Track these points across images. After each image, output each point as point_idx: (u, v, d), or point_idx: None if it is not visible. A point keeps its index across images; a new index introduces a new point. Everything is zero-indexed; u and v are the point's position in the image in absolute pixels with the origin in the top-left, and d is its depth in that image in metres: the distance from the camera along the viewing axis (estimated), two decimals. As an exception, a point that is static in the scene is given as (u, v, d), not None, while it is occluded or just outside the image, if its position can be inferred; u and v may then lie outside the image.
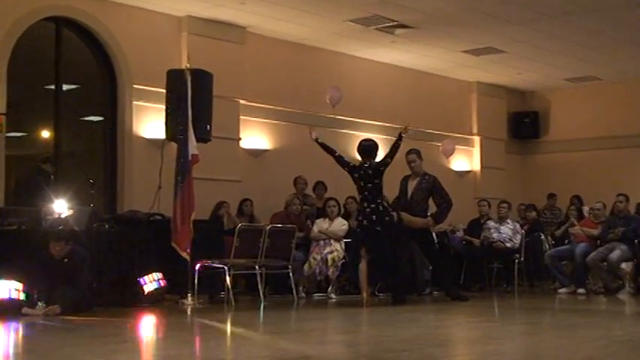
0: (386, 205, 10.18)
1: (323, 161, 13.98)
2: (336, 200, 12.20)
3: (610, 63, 16.58)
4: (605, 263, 12.27)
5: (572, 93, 18.86)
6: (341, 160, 10.33)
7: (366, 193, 10.13)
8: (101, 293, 9.59)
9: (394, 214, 10.31)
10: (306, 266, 11.79)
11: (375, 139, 10.65)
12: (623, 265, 12.23)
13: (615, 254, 12.12)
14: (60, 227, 9.39)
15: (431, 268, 11.65)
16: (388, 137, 16.27)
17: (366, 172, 10.12)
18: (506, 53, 15.78)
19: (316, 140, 10.38)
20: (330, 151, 10.35)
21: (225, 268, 10.31)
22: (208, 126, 10.73)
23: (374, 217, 10.03)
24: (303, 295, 11.70)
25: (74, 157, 12.83)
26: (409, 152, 11.16)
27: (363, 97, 15.89)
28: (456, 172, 17.91)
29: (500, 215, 13.39)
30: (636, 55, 15.92)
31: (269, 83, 14.51)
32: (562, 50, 15.60)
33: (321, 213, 12.58)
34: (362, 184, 10.15)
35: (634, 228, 12.29)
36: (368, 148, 10.35)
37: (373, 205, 10.09)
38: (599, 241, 12.57)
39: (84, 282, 9.13)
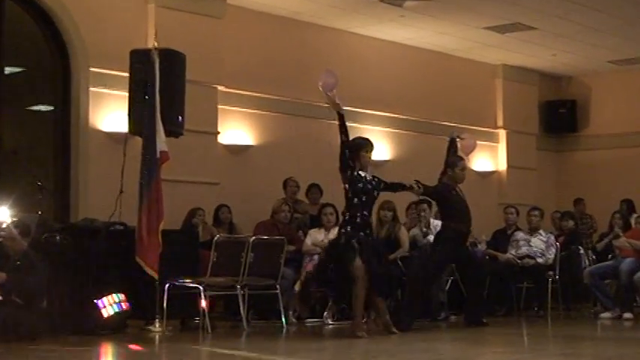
0: (346, 218, 10.10)
1: (318, 160, 14.04)
2: (334, 207, 12.21)
3: (663, 42, 16.65)
4: (656, 282, 12.31)
5: (617, 78, 18.90)
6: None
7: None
8: (51, 317, 9.60)
9: (342, 231, 10.15)
10: (297, 286, 11.80)
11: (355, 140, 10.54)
12: (679, 285, 12.27)
13: (669, 272, 12.17)
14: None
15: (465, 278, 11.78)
16: (395, 130, 16.40)
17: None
18: (538, 30, 15.81)
19: (338, 112, 10.14)
20: (344, 130, 10.16)
21: (201, 287, 10.31)
22: (180, 117, 10.73)
23: (341, 229, 10.15)
24: (294, 320, 11.71)
25: (18, 154, 12.81)
26: (462, 158, 11.48)
27: (364, 83, 15.90)
28: (478, 172, 17.94)
29: (530, 225, 13.42)
30: (695, 32, 15.97)
31: (253, 66, 14.52)
32: (605, 26, 15.61)
33: (316, 222, 12.59)
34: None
35: (692, 241, 12.34)
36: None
37: (341, 217, 10.25)
38: (649, 256, 12.61)
39: (31, 294, 9.19)
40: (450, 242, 10.98)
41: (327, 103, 10.36)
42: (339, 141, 10.04)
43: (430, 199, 12.18)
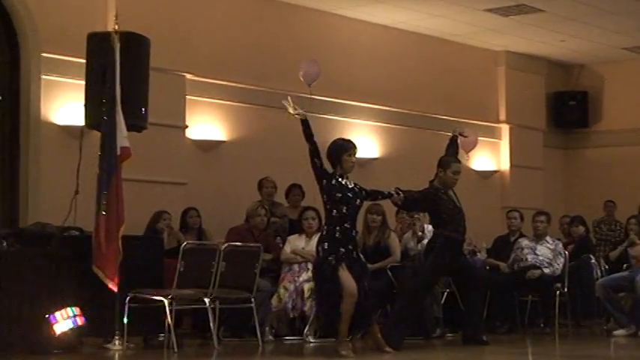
0: (323, 233, 10.11)
1: (299, 157, 13.99)
2: (316, 211, 12.20)
3: (684, 27, 16.72)
4: (676, 296, 12.37)
5: (633, 67, 18.97)
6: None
7: None
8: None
9: (320, 248, 10.15)
10: (274, 299, 11.80)
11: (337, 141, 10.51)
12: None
13: (690, 284, 12.23)
14: None
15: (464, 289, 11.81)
16: (384, 125, 16.40)
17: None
18: (545, 13, 15.84)
19: (300, 118, 10.09)
20: (310, 139, 10.05)
21: (166, 301, 10.29)
22: (144, 109, 10.72)
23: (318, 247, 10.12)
24: (271, 337, 11.71)
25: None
26: (459, 161, 11.37)
27: (351, 71, 15.92)
28: (478, 172, 17.97)
29: (536, 231, 13.44)
30: None
31: (225, 52, 14.51)
32: (620, 9, 15.67)
33: (296, 227, 12.59)
34: None
35: None
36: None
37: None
38: (668, 267, 12.67)
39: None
40: (442, 252, 10.94)
41: (289, 107, 10.23)
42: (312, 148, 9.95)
43: (413, 210, 12.11)
